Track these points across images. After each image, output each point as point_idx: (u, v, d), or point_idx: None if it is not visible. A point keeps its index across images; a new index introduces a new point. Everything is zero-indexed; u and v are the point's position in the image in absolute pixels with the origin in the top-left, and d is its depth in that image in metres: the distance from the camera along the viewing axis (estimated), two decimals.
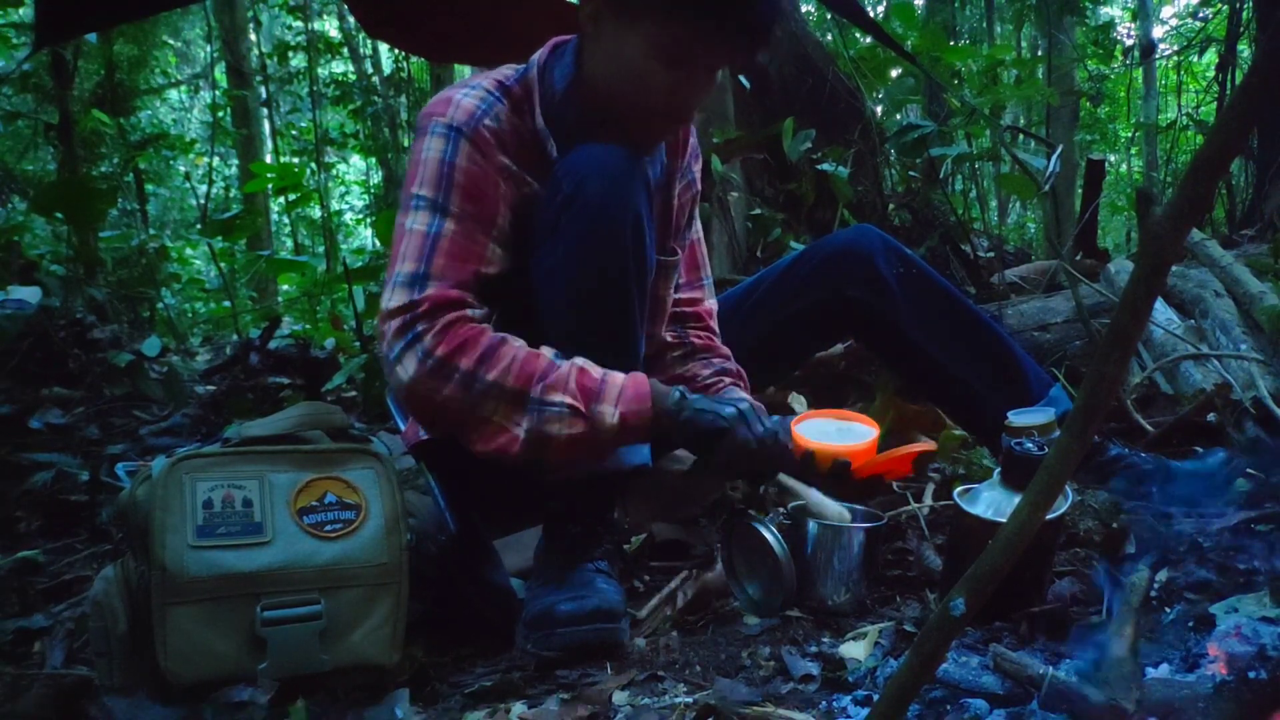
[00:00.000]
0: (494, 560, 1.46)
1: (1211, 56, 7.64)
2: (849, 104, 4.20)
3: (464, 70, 6.04)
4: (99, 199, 3.31)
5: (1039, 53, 7.98)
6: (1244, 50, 5.17)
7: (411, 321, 1.25)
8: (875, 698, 1.00)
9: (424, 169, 1.33)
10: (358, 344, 3.36)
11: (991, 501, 1.23)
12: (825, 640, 1.25)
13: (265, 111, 8.82)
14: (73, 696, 1.20)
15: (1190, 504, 1.47)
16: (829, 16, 5.16)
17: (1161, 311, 2.33)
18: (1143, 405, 2.08)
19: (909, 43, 3.49)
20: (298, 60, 8.27)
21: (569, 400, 1.24)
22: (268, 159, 9.17)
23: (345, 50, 8.34)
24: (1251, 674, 0.83)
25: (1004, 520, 0.73)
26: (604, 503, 1.41)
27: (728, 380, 1.62)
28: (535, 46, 1.46)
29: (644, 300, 1.38)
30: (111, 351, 3.01)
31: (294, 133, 9.39)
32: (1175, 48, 8.74)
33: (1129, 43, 8.93)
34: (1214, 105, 6.61)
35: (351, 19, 6.87)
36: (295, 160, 8.52)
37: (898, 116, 4.77)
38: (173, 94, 10.45)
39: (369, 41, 7.78)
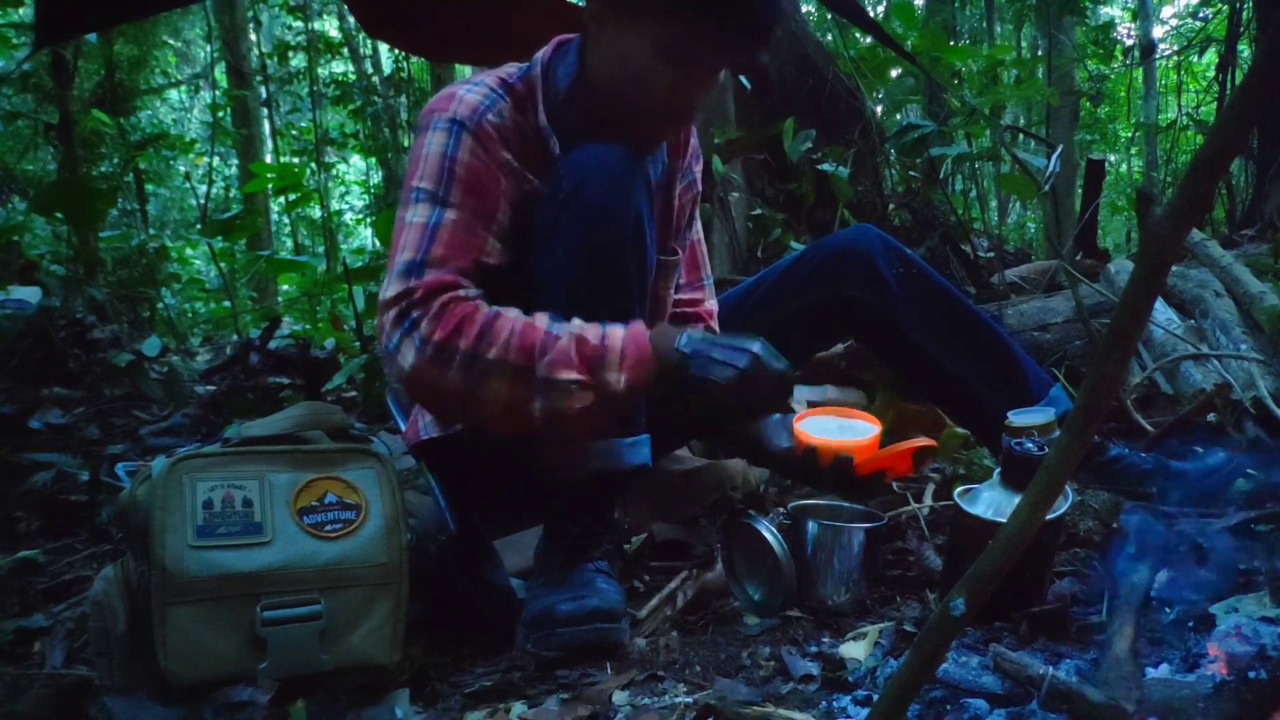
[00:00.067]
0: (494, 560, 1.46)
1: (1211, 56, 7.64)
2: (849, 104, 4.20)
3: (464, 70, 6.04)
4: (99, 199, 3.31)
5: (1039, 53, 7.98)
6: (1244, 50, 5.17)
7: (407, 309, 1.24)
8: (875, 698, 1.00)
9: (425, 163, 1.33)
10: (358, 344, 3.36)
11: (991, 501, 1.23)
12: (825, 640, 1.25)
13: (265, 111, 8.82)
14: (73, 696, 1.20)
15: (1190, 504, 1.47)
16: (829, 16, 5.16)
17: (1161, 311, 2.33)
18: (1143, 405, 2.08)
19: (909, 43, 3.49)
20: (298, 60, 8.27)
21: (574, 375, 1.23)
22: (268, 159, 9.17)
23: (345, 50, 8.34)
24: (1251, 674, 0.83)
25: (1004, 520, 0.73)
26: (604, 503, 1.41)
27: None
28: (535, 46, 1.46)
29: (644, 300, 1.38)
30: (111, 351, 3.01)
31: (294, 133, 9.38)
32: (1175, 48, 8.74)
33: (1129, 43, 8.94)
34: (1214, 105, 6.61)
35: (351, 19, 6.87)
36: (295, 160, 8.51)
37: (898, 116, 4.77)
38: (173, 94, 10.45)
39: (369, 41, 7.78)
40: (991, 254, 4.10)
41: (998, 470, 1.26)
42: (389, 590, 1.23)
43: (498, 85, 1.39)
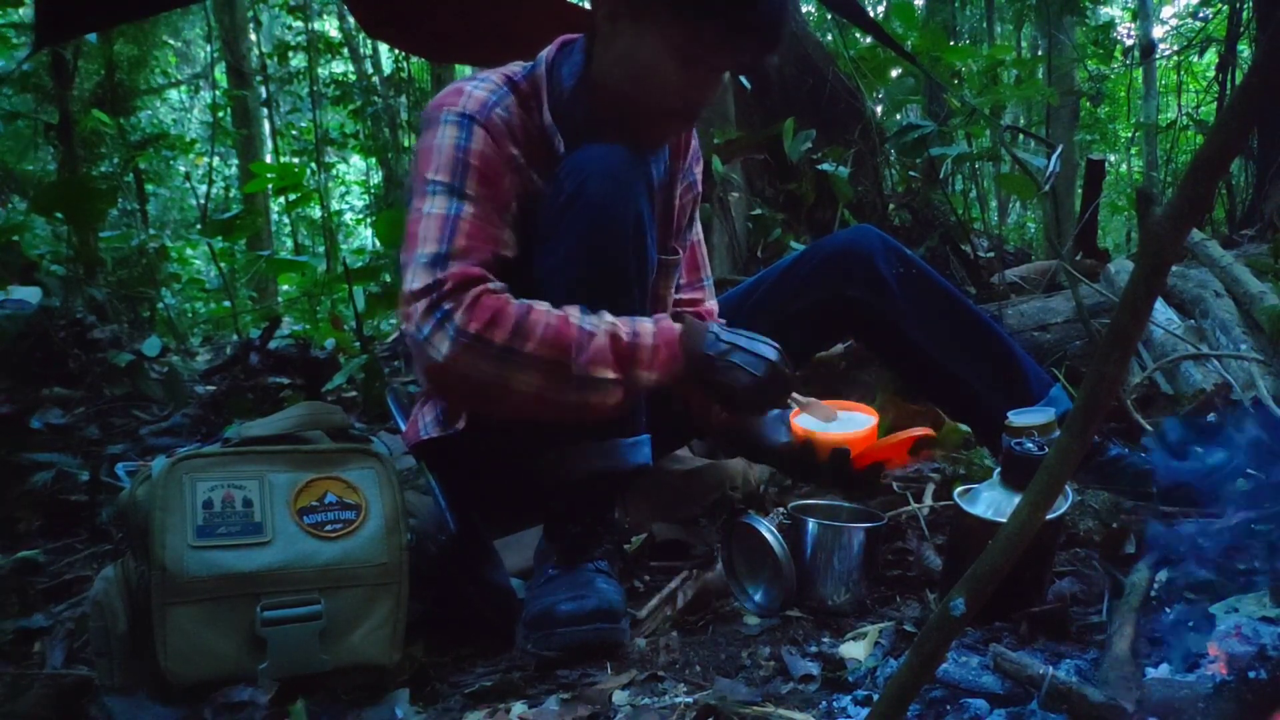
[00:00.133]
0: (494, 560, 1.46)
1: (1211, 56, 7.64)
2: (849, 104, 4.20)
3: (464, 70, 6.04)
4: (99, 199, 3.30)
5: (1039, 53, 7.98)
6: (1244, 50, 5.17)
7: (438, 300, 1.24)
8: (875, 698, 1.00)
9: (438, 155, 1.33)
10: (358, 344, 3.36)
11: (991, 501, 1.23)
12: (825, 640, 1.25)
13: (265, 111, 8.82)
14: (73, 696, 1.20)
15: (1190, 504, 1.47)
16: (829, 16, 5.16)
17: (1161, 311, 2.33)
18: (1143, 405, 2.08)
19: (909, 43, 3.49)
20: (298, 60, 8.27)
21: (610, 374, 1.27)
22: (268, 159, 9.18)
23: (345, 50, 8.34)
24: (1251, 674, 0.83)
25: (1004, 520, 0.73)
26: (604, 503, 1.41)
27: None
28: (535, 46, 1.47)
29: (645, 299, 1.39)
30: (111, 351, 3.01)
31: (294, 133, 9.38)
32: (1175, 48, 8.74)
33: (1129, 43, 8.94)
34: (1214, 105, 6.61)
35: (351, 19, 6.86)
36: (295, 160, 8.51)
37: (898, 116, 4.77)
38: (173, 94, 10.45)
39: (369, 41, 7.78)
40: (991, 254, 4.10)
41: (998, 470, 1.26)
42: (389, 590, 1.23)
43: (504, 82, 1.40)
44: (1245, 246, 3.28)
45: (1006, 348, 1.68)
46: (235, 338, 4.21)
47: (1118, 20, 9.66)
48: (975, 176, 5.12)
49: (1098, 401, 0.69)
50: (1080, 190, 4.37)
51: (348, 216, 11.40)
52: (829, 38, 5.15)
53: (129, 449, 2.39)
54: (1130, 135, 10.73)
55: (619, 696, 1.12)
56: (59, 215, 3.25)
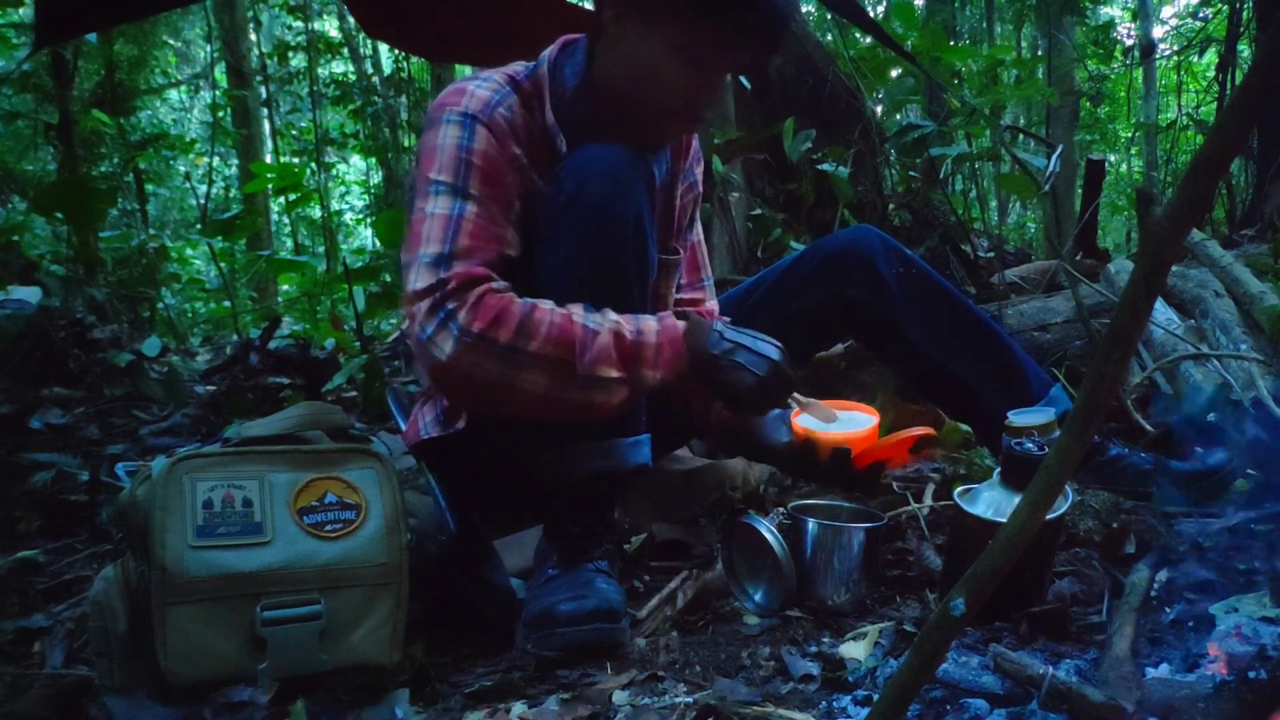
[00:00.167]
0: (494, 560, 1.46)
1: (1211, 56, 7.64)
2: (849, 104, 4.19)
3: (464, 70, 6.04)
4: (99, 199, 3.30)
5: (1039, 53, 7.98)
6: (1244, 50, 5.17)
7: (442, 300, 1.24)
8: (875, 698, 1.00)
9: (441, 155, 1.33)
10: (358, 344, 3.36)
11: (991, 501, 1.23)
12: (825, 640, 1.25)
13: (265, 111, 8.82)
14: (73, 696, 1.20)
15: (1190, 504, 1.47)
16: (829, 16, 5.16)
17: (1161, 311, 2.33)
18: (1143, 405, 2.08)
19: (909, 43, 3.49)
20: (298, 60, 8.27)
21: (614, 374, 1.27)
22: (268, 159, 9.18)
23: (345, 50, 8.34)
24: (1251, 674, 0.83)
25: (1004, 520, 0.73)
26: (604, 503, 1.41)
27: None
28: (536, 46, 1.47)
29: (646, 298, 1.39)
30: (111, 351, 3.01)
31: (294, 133, 9.38)
32: (1175, 48, 8.74)
33: (1129, 43, 8.94)
34: (1214, 105, 6.61)
35: (351, 19, 6.86)
36: (295, 160, 8.51)
37: (898, 116, 4.77)
38: (173, 94, 10.45)
39: (369, 41, 7.78)
40: (991, 254, 4.10)
41: (998, 470, 1.26)
42: (389, 590, 1.23)
43: (506, 82, 1.41)
44: (1245, 246, 3.28)
45: (1006, 348, 1.68)
46: (235, 338, 4.21)
47: (1118, 20, 9.66)
48: (975, 176, 5.12)
49: (1098, 401, 0.69)
50: (1080, 190, 4.37)
51: (348, 216, 11.40)
52: (829, 38, 5.14)
53: (129, 449, 2.39)
54: (1130, 135, 10.74)
55: (619, 696, 1.12)
56: (59, 215, 3.25)
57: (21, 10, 4.48)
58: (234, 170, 9.47)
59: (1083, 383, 0.70)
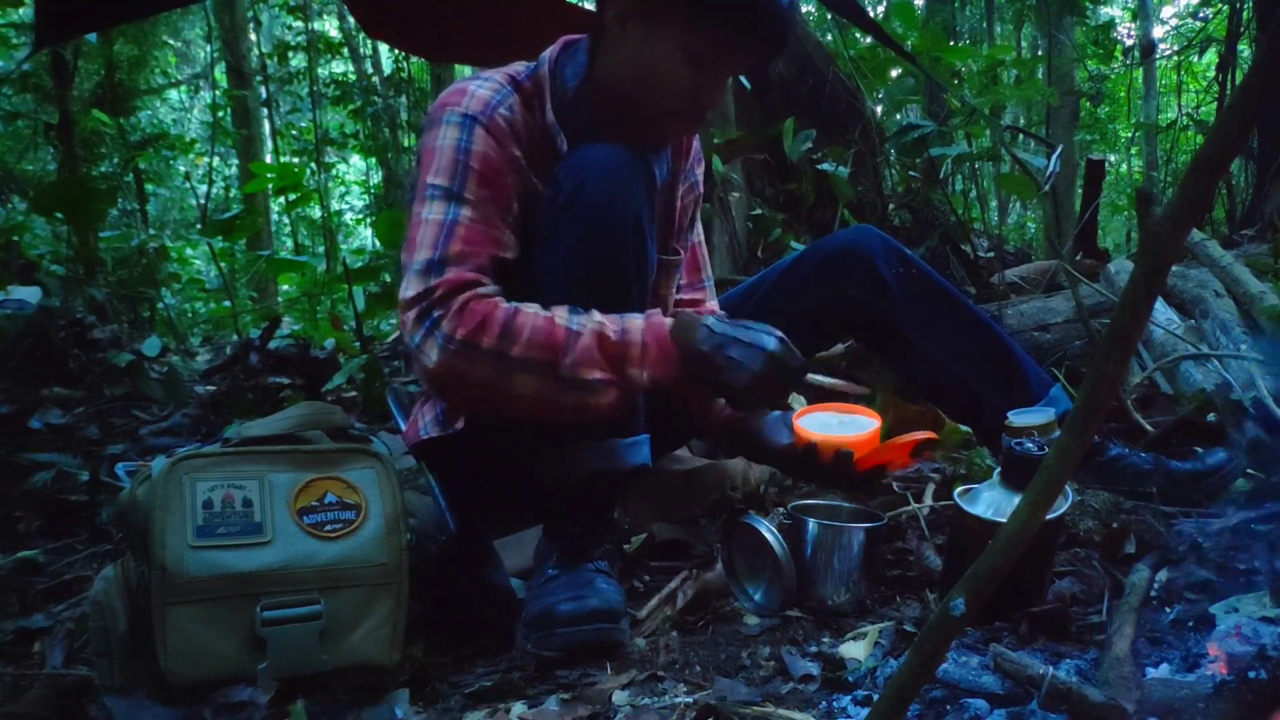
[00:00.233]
0: (494, 560, 1.46)
1: (1211, 56, 7.64)
2: (849, 104, 4.20)
3: (464, 70, 6.04)
4: (99, 199, 3.30)
5: (1039, 53, 7.98)
6: (1244, 50, 5.17)
7: (428, 308, 1.25)
8: (875, 698, 1.00)
9: (439, 158, 1.34)
10: (358, 344, 3.36)
11: (991, 501, 1.23)
12: (825, 640, 1.25)
13: (265, 111, 8.82)
14: (73, 696, 1.20)
15: (1190, 504, 1.47)
16: (829, 16, 5.16)
17: (1161, 311, 2.33)
18: (1143, 405, 2.08)
19: (909, 43, 3.48)
20: (298, 60, 8.27)
21: (599, 375, 1.26)
22: (268, 159, 9.17)
23: (345, 50, 8.34)
24: (1251, 674, 0.83)
25: (1004, 520, 0.73)
26: (604, 503, 1.41)
27: None
28: (536, 46, 1.47)
29: (645, 299, 1.39)
30: (111, 351, 3.01)
31: (294, 133, 9.38)
32: (1175, 48, 8.74)
33: (1129, 43, 8.94)
34: (1214, 105, 6.61)
35: (351, 19, 6.86)
36: (295, 160, 8.52)
37: (898, 116, 4.77)
38: (173, 94, 10.45)
39: (369, 41, 7.78)
40: (991, 254, 4.10)
41: (998, 470, 1.26)
42: (389, 590, 1.23)
43: (507, 82, 1.41)
44: (1245, 246, 3.28)
45: (1006, 348, 1.68)
46: (235, 338, 4.21)
47: (1118, 20, 9.66)
48: (975, 176, 5.12)
49: (1098, 401, 0.69)
50: (1080, 190, 4.37)
51: (348, 216, 11.40)
52: (829, 38, 5.14)
53: (129, 449, 2.39)
54: (1130, 135, 10.74)
55: (619, 696, 1.12)
56: (59, 215, 3.25)
57: (21, 10, 4.48)
58: (234, 170, 9.47)
59: (1083, 383, 0.70)
